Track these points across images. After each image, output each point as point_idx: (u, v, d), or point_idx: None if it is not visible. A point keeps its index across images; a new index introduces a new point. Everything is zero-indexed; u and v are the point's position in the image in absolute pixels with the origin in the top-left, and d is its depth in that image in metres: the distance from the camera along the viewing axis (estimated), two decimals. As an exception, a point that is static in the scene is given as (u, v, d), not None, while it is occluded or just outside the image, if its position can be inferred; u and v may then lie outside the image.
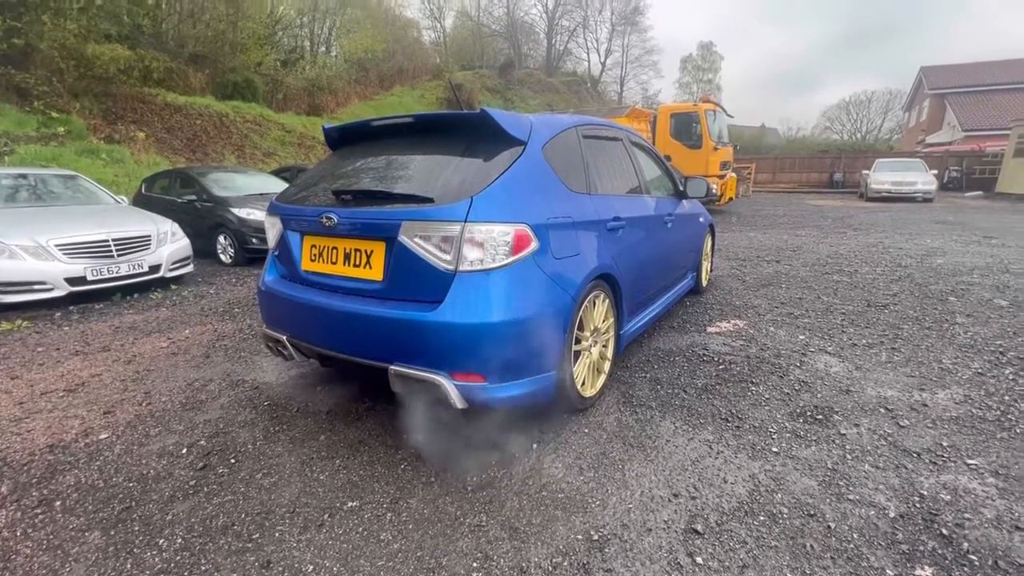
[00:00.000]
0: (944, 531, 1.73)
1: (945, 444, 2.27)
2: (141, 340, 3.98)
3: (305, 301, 2.35)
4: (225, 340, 3.91)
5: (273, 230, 2.59)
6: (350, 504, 1.93)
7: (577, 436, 2.35)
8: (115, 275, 5.18)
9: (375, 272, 2.17)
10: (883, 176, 16.42)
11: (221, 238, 7.24)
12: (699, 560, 1.61)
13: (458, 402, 2.00)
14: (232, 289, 5.78)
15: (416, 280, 2.06)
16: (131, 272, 5.31)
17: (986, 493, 1.93)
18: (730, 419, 2.50)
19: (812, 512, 1.83)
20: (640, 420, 2.49)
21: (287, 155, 15.95)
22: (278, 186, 8.37)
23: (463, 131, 2.34)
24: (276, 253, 2.66)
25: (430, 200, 2.03)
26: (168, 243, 5.79)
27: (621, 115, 12.25)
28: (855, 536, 1.72)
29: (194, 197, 7.54)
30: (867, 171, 17.70)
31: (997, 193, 17.83)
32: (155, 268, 5.55)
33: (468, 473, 2.10)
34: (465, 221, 1.95)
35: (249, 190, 7.80)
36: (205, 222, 7.26)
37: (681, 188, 4.04)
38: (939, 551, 1.65)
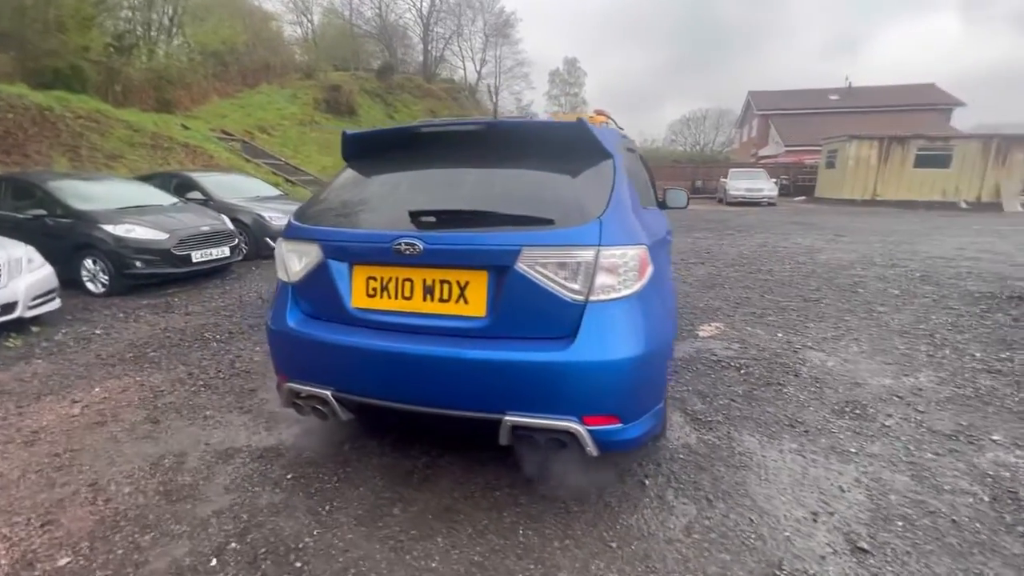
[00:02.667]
0: (1033, 506, 1.95)
1: (963, 423, 2.60)
2: (32, 408, 2.95)
3: (364, 347, 1.90)
4: (167, 396, 3.07)
5: (303, 258, 2.06)
6: (496, 593, 1.58)
7: (678, 464, 2.24)
8: (-49, 321, 3.82)
9: (474, 307, 1.82)
10: (738, 184, 19.10)
11: (89, 262, 5.78)
12: (889, 580, 1.61)
13: (593, 449, 1.77)
14: (126, 327, 4.61)
15: (534, 314, 1.77)
16: (-26, 315, 3.97)
17: (1026, 464, 2.24)
18: (794, 425, 2.59)
19: (931, 509, 1.94)
20: (721, 437, 2.46)
21: (139, 159, 13.40)
22: (158, 197, 6.95)
23: (549, 142, 2.08)
24: (298, 287, 2.13)
25: (550, 222, 1.76)
26: (24, 273, 4.44)
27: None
28: (978, 526, 1.85)
29: (43, 212, 5.91)
30: (724, 179, 20.43)
31: (816, 197, 21.78)
32: (9, 307, 4.20)
33: (598, 526, 1.87)
34: (599, 245, 1.72)
35: (121, 202, 6.36)
36: (63, 243, 5.72)
37: (661, 199, 4.17)
38: (1044, 526, 1.85)
